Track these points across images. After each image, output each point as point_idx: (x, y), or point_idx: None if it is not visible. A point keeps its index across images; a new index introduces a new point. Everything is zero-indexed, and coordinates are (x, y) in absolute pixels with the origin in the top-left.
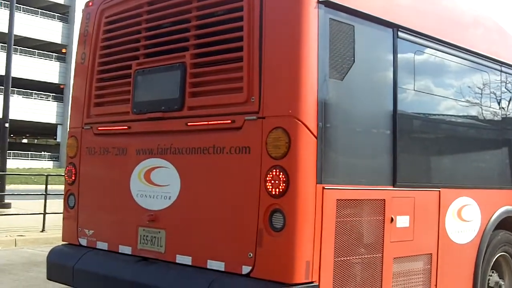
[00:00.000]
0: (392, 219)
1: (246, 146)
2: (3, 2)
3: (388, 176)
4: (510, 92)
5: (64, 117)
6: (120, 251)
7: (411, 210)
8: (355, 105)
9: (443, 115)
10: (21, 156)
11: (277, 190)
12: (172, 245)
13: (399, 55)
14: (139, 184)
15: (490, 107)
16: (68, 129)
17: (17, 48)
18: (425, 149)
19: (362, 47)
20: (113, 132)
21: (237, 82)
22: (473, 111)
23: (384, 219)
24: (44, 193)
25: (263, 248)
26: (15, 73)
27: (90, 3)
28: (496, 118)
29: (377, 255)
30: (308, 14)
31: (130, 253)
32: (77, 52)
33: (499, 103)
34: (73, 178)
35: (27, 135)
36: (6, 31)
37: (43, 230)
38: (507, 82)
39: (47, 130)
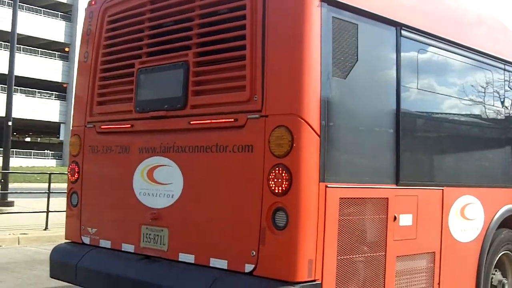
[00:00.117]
0: (395, 218)
1: (249, 144)
2: (6, 1)
3: (391, 174)
4: None
5: (67, 115)
6: (123, 249)
7: (414, 208)
8: (358, 104)
9: (446, 113)
10: (24, 155)
11: (280, 188)
12: (175, 243)
13: (402, 54)
14: (142, 183)
15: (493, 105)
16: (71, 128)
17: (20, 47)
18: (428, 147)
19: (365, 46)
20: (116, 131)
21: (239, 81)
22: (476, 110)
23: (387, 218)
24: (47, 191)
25: (266, 246)
26: (18, 71)
27: (93, 2)
28: (499, 117)
29: (380, 254)
30: (311, 12)
31: (133, 251)
32: (80, 51)
33: (502, 102)
34: (76, 176)
35: (30, 133)
36: (9, 30)
37: (46, 228)
38: (511, 81)
39: (50, 128)
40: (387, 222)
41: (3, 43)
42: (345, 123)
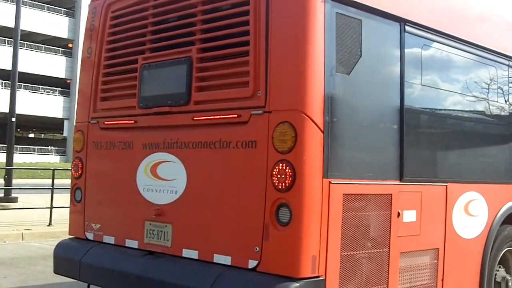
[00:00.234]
0: (399, 214)
1: (253, 140)
2: None
3: (395, 170)
4: None
5: (70, 111)
6: (126, 245)
7: (418, 204)
8: (362, 100)
9: (450, 109)
10: (28, 151)
11: (284, 184)
12: (178, 239)
13: (406, 50)
14: (145, 178)
15: (497, 101)
16: (74, 124)
17: (24, 43)
18: (432, 143)
19: (369, 41)
20: (120, 127)
21: (243, 77)
22: (480, 106)
23: (391, 214)
24: (51, 187)
25: (269, 242)
26: (22, 68)
27: None
28: (503, 113)
29: (383, 250)
30: (315, 8)
31: (136, 247)
32: (83, 47)
33: (506, 98)
34: (79, 172)
35: (34, 129)
36: (13, 26)
37: (50, 224)
38: None
39: (54, 124)
40: (390, 218)
41: (6, 39)
42: (349, 119)
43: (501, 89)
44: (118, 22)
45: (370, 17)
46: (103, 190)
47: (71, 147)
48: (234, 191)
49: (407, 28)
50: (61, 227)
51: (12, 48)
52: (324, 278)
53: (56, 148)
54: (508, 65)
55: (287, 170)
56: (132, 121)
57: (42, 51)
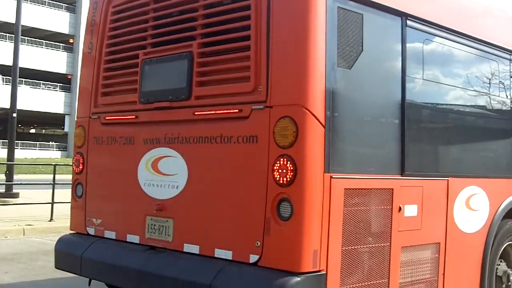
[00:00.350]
0: (400, 208)
1: (254, 135)
2: None
3: (396, 165)
4: None
5: (71, 107)
6: (128, 240)
7: (419, 199)
8: (363, 94)
9: (452, 104)
10: (29, 146)
11: (285, 179)
12: (179, 234)
13: (407, 44)
14: (146, 174)
15: (498, 96)
16: (75, 119)
17: (25, 39)
18: (434, 138)
19: (370, 36)
20: (121, 122)
21: (244, 71)
22: (482, 101)
23: (392, 208)
24: (52, 182)
25: (270, 237)
26: (23, 63)
27: None
28: (504, 108)
29: (385, 244)
30: (316, 2)
31: (138, 242)
32: (84, 42)
33: (507, 93)
34: (80, 167)
35: (35, 125)
36: (14, 22)
37: (51, 220)
38: None
39: (55, 120)
40: (392, 212)
41: (7, 34)
42: (350, 114)
43: (503, 83)
44: (119, 17)
45: (372, 11)
46: (104, 185)
47: (72, 143)
48: (235, 186)
49: (408, 22)
50: (63, 223)
51: (13, 44)
52: (325, 272)
53: (57, 143)
54: (510, 60)
55: (288, 165)
56: (133, 116)
57: (43, 46)
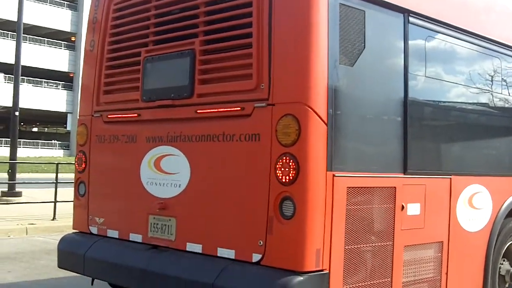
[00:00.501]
0: (403, 207)
1: (256, 133)
2: None
3: (399, 163)
4: None
5: (74, 105)
6: (130, 239)
7: (422, 197)
8: (366, 92)
9: (454, 102)
10: (31, 145)
11: (287, 177)
12: (182, 233)
13: (410, 41)
14: (149, 172)
15: (501, 93)
16: (78, 117)
17: (27, 37)
18: (436, 136)
19: (372, 33)
20: (123, 120)
21: (246, 69)
22: (485, 98)
23: (394, 207)
24: (55, 181)
25: (273, 236)
26: (25, 61)
27: None
28: (507, 105)
29: (387, 243)
30: None
31: (140, 241)
32: (86, 40)
33: (510, 90)
34: (83, 166)
35: (37, 123)
36: (16, 20)
37: (54, 219)
38: None
39: (57, 118)
40: (394, 211)
41: (9, 32)
42: (353, 112)
43: (506, 81)
44: (120, 15)
45: (374, 8)
46: (107, 184)
47: (75, 141)
48: (238, 184)
49: (411, 19)
50: (65, 221)
51: (15, 42)
52: (328, 271)
53: (59, 142)
54: None
55: (290, 163)
56: (136, 115)
57: (45, 44)
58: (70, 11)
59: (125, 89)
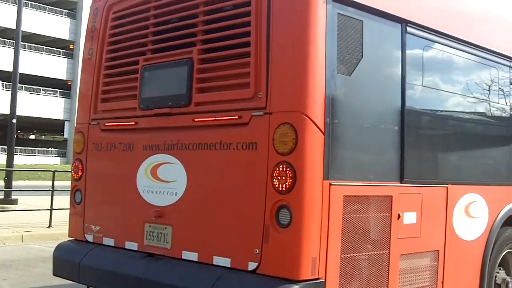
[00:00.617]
0: (399, 216)
1: (253, 142)
2: None
3: (395, 172)
4: None
5: (71, 113)
6: (126, 247)
7: (418, 206)
8: (363, 101)
9: (451, 111)
10: (28, 152)
11: (284, 186)
12: (178, 241)
13: (407, 51)
14: (145, 180)
15: (498, 103)
16: (75, 125)
17: (25, 44)
18: (433, 145)
19: (370, 42)
20: (120, 128)
21: (244, 78)
22: (481, 108)
23: (391, 216)
24: (51, 189)
25: (269, 244)
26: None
27: None
28: (504, 115)
29: (384, 252)
30: (316, 9)
31: (136, 249)
32: (84, 48)
33: (507, 100)
34: (79, 174)
35: (35, 131)
36: (14, 27)
37: (49, 226)
38: None
39: (55, 126)
40: (391, 220)
41: (7, 40)
42: (350, 121)
43: (502, 90)
44: (119, 23)
45: (372, 18)
46: (103, 191)
47: (72, 149)
48: (234, 192)
49: (408, 29)
50: (61, 229)
51: (13, 50)
52: (324, 280)
53: (56, 149)
54: (510, 66)
55: (287, 172)
56: (133, 123)
57: (43, 52)
58: (69, 19)
59: (123, 97)
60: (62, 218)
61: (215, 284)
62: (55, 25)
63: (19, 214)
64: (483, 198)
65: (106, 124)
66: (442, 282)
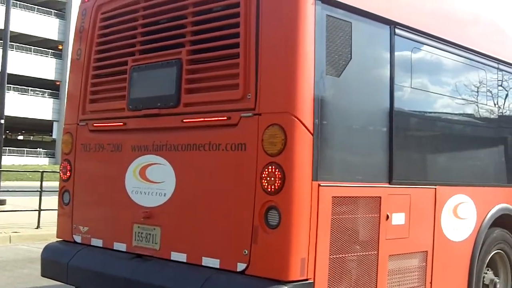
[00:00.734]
0: (387, 217)
1: (242, 143)
2: None
3: (384, 173)
4: (506, 90)
5: (60, 113)
6: (114, 248)
7: (407, 207)
8: (352, 102)
9: (440, 112)
10: (17, 153)
11: (273, 187)
12: (167, 242)
13: (396, 53)
14: (134, 181)
15: (486, 104)
16: (63, 126)
17: (13, 45)
18: (422, 146)
19: (359, 44)
20: (109, 129)
21: (233, 79)
22: (470, 109)
23: (379, 217)
24: (40, 189)
25: (258, 245)
26: (11, 69)
27: (86, 0)
28: (492, 116)
29: (372, 253)
30: (305, 10)
31: (125, 250)
32: (73, 49)
33: (495, 101)
34: (68, 174)
35: (23, 131)
36: (2, 27)
37: (38, 227)
38: (504, 80)
39: (43, 126)
40: (379, 221)
41: None
42: (339, 122)
43: (490, 92)
44: (108, 24)
45: (361, 20)
46: (92, 192)
47: (60, 149)
48: (223, 193)
49: (397, 31)
50: (49, 230)
51: (1, 50)
52: (313, 281)
53: (45, 150)
54: (498, 68)
55: (276, 173)
56: (121, 123)
57: (32, 52)
58: (58, 19)
59: (111, 98)
60: (51, 219)
61: (204, 285)
62: (44, 25)
63: (7, 214)
64: (471, 199)
65: (95, 124)
66: (431, 282)
